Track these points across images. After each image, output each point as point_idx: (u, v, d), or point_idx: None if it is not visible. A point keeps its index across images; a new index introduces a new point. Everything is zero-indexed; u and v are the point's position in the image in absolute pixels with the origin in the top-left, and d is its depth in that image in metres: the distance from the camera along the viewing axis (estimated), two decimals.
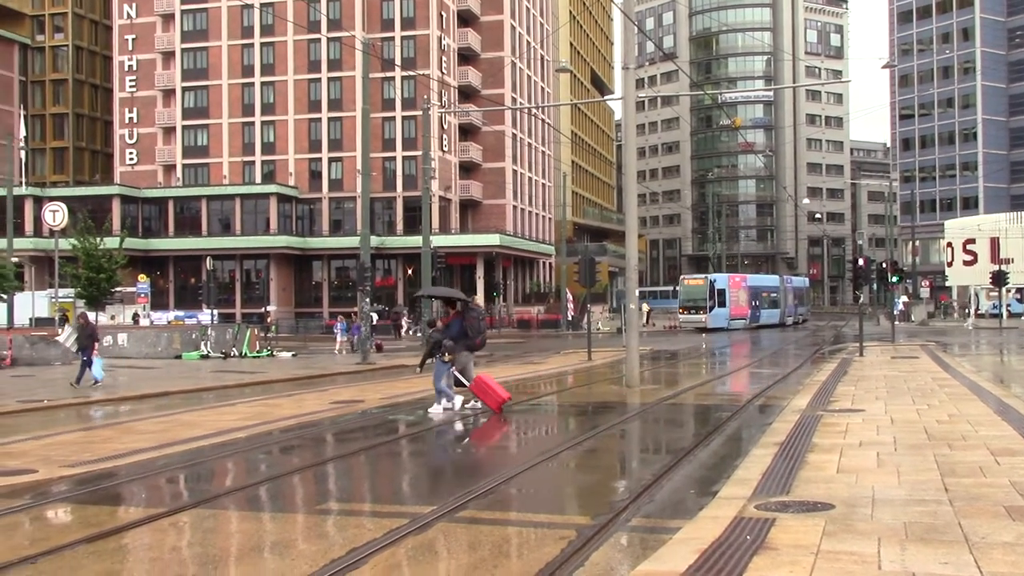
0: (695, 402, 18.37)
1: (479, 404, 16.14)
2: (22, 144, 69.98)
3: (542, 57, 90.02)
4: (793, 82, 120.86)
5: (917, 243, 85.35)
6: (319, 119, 73.29)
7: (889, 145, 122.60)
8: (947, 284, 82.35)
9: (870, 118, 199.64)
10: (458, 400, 16.12)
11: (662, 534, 7.21)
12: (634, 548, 7.11)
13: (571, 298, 57.13)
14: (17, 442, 13.00)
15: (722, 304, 59.10)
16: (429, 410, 15.92)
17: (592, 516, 8.15)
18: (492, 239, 70.10)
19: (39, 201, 64.23)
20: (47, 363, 31.31)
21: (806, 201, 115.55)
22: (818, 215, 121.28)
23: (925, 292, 72.71)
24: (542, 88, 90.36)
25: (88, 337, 22.47)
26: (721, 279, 61.90)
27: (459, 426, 15.16)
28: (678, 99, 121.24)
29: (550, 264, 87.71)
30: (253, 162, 74.75)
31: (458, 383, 16.31)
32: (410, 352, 38.68)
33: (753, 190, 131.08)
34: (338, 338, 40.54)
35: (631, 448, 13.60)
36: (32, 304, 50.56)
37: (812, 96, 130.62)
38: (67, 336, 27.17)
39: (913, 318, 64.25)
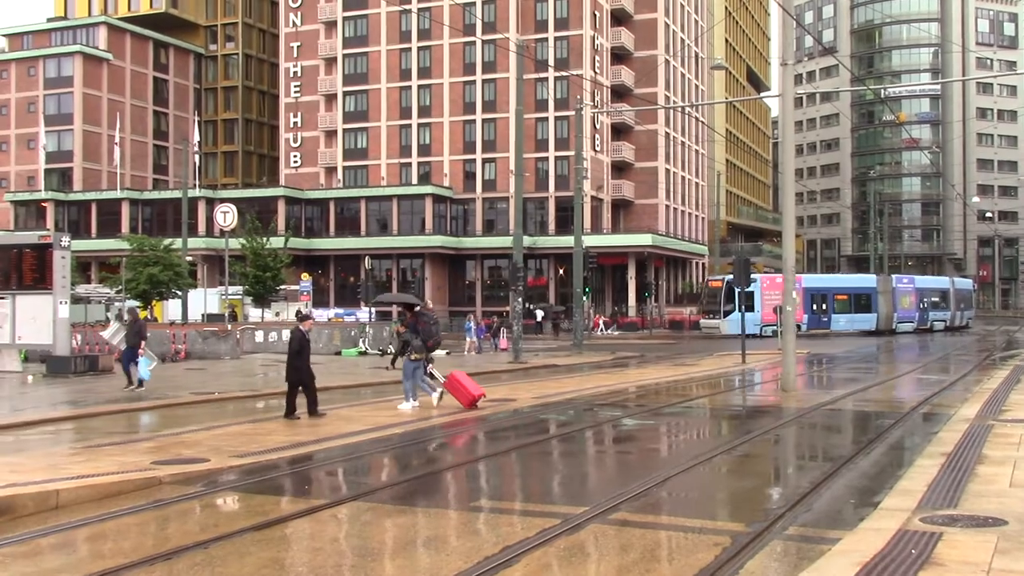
0: (855, 408, 17.75)
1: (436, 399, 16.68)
2: (196, 148, 73.71)
3: (696, 54, 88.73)
4: (963, 75, 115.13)
5: None
6: (473, 121, 74.35)
7: None
8: None
9: None
10: (435, 395, 16.69)
11: (820, 544, 7.01)
12: (791, 558, 6.94)
13: None
14: (191, 432, 13.72)
15: (749, 308, 52.39)
16: (399, 407, 16.45)
17: (747, 523, 7.99)
18: (644, 239, 69.58)
19: (211, 203, 67.47)
20: (218, 357, 32.91)
21: (976, 199, 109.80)
22: (989, 214, 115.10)
23: None
24: (696, 86, 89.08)
25: (136, 335, 21.06)
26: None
27: (604, 430, 15.12)
28: (838, 95, 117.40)
29: (703, 264, 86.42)
30: (410, 163, 76.49)
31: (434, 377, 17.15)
32: (562, 352, 38.82)
33: (918, 188, 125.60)
34: (467, 338, 40.68)
35: (787, 454, 13.26)
36: (204, 301, 53.17)
37: (983, 89, 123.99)
38: (113, 332, 24.20)
39: None
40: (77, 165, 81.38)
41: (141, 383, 20.33)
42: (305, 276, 57.21)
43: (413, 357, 16.54)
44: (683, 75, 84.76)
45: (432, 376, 17.23)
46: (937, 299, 64.35)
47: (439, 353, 37.28)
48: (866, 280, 61.26)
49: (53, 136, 78.82)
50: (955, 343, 46.82)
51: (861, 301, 58.73)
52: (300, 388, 15.38)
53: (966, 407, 15.45)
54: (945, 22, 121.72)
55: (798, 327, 54.36)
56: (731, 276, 57.68)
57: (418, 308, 17.84)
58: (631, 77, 76.46)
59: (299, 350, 15.34)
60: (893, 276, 63.45)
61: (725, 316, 54.32)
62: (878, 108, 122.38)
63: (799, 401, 18.35)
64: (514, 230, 35.77)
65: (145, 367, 20.60)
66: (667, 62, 78.63)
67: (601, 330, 60.55)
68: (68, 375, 24.07)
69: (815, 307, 56.60)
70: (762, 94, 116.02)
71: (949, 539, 6.64)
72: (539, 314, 60.61)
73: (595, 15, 73.12)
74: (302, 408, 15.26)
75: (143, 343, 21.09)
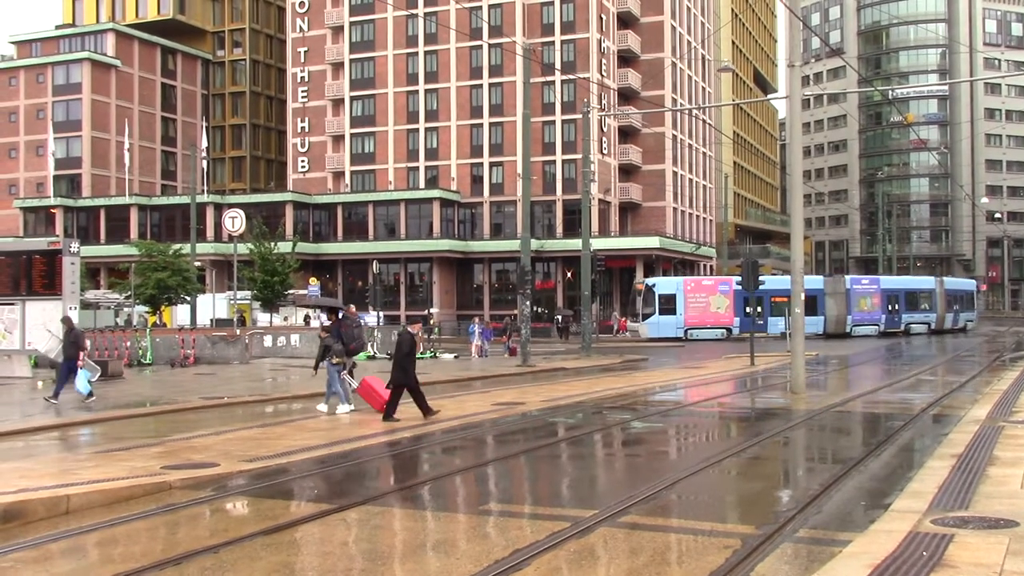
0: (864, 410, 17.71)
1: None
2: (204, 154, 73.91)
3: (703, 57, 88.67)
4: (970, 75, 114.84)
5: None
6: (480, 124, 74.39)
7: None
8: None
9: None
10: (342, 408, 16.81)
11: (831, 547, 7.00)
12: (801, 560, 6.92)
13: None
14: (200, 437, 13.74)
15: (669, 311, 52.68)
16: (318, 406, 16.86)
17: (757, 525, 7.98)
18: (652, 242, 69.52)
19: (219, 208, 67.58)
20: (226, 362, 32.96)
21: (985, 200, 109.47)
22: (998, 215, 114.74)
23: None
24: (703, 88, 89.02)
25: (72, 345, 19.42)
26: (666, 283, 55.86)
27: (613, 433, 15.10)
28: (845, 96, 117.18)
29: (711, 267, 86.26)
30: (417, 168, 76.55)
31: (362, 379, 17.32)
32: (570, 355, 38.80)
33: (926, 189, 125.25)
34: (472, 341, 40.59)
35: (796, 456, 13.24)
36: (213, 306, 53.24)
37: (991, 89, 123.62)
38: (47, 343, 22.67)
39: None
40: (86, 171, 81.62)
41: (91, 394, 18.73)
42: (313, 280, 57.36)
43: (335, 361, 16.89)
44: (690, 78, 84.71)
45: (350, 382, 17.47)
46: (917, 300, 59.85)
47: (447, 356, 37.42)
48: (811, 281, 57.12)
49: (62, 143, 79.05)
50: (912, 350, 42.73)
51: (805, 303, 55.38)
52: (404, 391, 15.55)
53: (976, 408, 15.41)
54: (952, 23, 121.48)
55: (728, 331, 53.84)
56: (653, 280, 57.07)
57: (342, 313, 18.21)
58: (638, 80, 76.44)
59: (408, 352, 15.55)
60: (848, 277, 60.69)
61: (645, 319, 53.66)
62: (886, 109, 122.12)
63: (808, 403, 18.31)
64: (522, 233, 35.77)
65: (84, 379, 18.90)
66: (674, 65, 78.59)
67: (623, 332, 59.96)
68: None
69: (748, 310, 53.71)
70: (769, 96, 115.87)
71: (960, 541, 6.61)
72: (558, 319, 59.97)
73: (601, 18, 73.13)
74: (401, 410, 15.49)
75: (83, 354, 19.51)
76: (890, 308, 57.54)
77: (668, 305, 53.22)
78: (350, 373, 17.34)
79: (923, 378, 25.67)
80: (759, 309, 52.36)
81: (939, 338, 54.42)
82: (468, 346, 40.17)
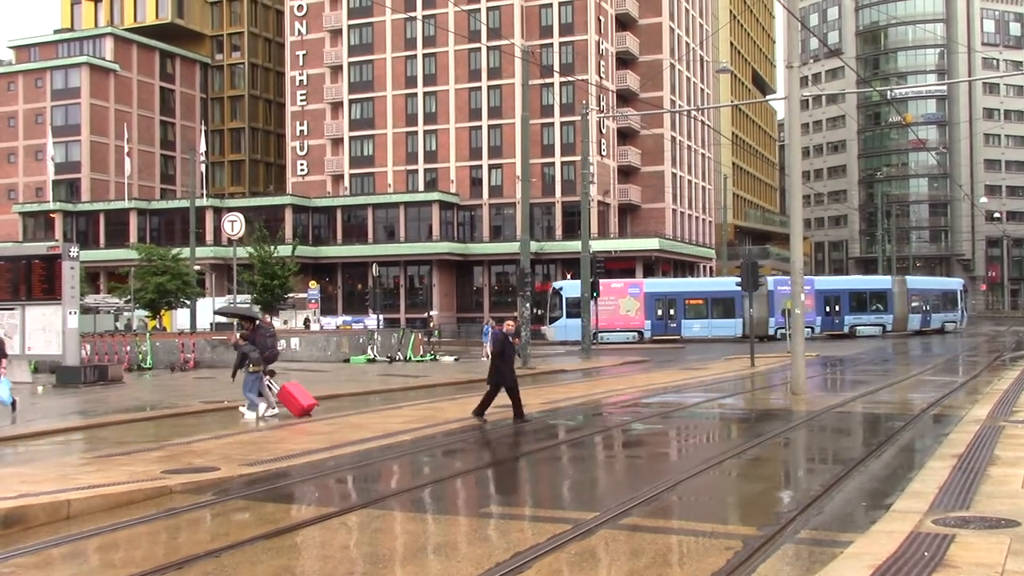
0: (864, 410, 17.71)
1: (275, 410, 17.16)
2: (203, 158, 73.90)
3: (702, 58, 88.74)
4: (969, 75, 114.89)
5: None
6: (479, 127, 74.43)
7: None
8: None
9: None
10: (262, 407, 17.05)
11: (832, 547, 7.00)
12: (803, 562, 6.92)
13: None
14: (200, 441, 13.73)
15: (577, 315, 49.86)
16: (241, 408, 17.17)
17: (758, 527, 7.98)
18: (651, 243, 69.55)
19: (218, 212, 67.63)
20: (227, 365, 32.83)
21: (984, 200, 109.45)
22: (997, 214, 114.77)
23: None
24: (702, 89, 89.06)
25: None
26: (573, 286, 53.17)
27: (614, 434, 15.10)
28: (844, 96, 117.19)
29: (710, 268, 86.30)
30: (416, 170, 76.58)
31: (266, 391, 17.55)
32: (570, 357, 38.80)
33: (925, 189, 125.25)
34: (486, 344, 40.34)
35: (797, 457, 13.24)
36: (213, 309, 53.19)
37: (990, 89, 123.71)
38: None
39: None
40: (85, 176, 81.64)
41: (14, 405, 16.84)
42: (313, 284, 57.32)
43: (252, 369, 17.11)
44: (688, 79, 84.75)
45: (268, 389, 17.61)
46: (865, 301, 56.62)
47: (447, 359, 37.43)
48: (729, 283, 54.97)
49: (61, 147, 79.09)
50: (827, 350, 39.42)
51: (721, 306, 54.27)
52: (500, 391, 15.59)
53: (977, 408, 15.41)
54: (950, 23, 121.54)
55: (639, 334, 52.75)
56: (560, 283, 56.54)
57: (257, 322, 18.44)
58: (636, 81, 76.49)
59: (501, 352, 15.54)
60: (772, 278, 57.52)
61: (552, 322, 53.16)
62: (884, 110, 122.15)
63: (808, 404, 18.32)
64: (521, 235, 35.78)
65: (6, 389, 16.84)
66: (672, 66, 78.63)
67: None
68: (78, 385, 24.11)
69: (660, 312, 53.41)
70: (768, 97, 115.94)
71: (962, 541, 6.61)
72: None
73: (600, 20, 73.17)
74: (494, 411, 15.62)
75: (3, 361, 17.36)
76: (828, 310, 55.19)
77: (576, 308, 50.95)
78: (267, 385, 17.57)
79: (924, 378, 25.66)
80: (672, 312, 51.66)
81: (899, 341, 51.28)
82: (471, 349, 40.10)
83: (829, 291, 56.32)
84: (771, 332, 54.03)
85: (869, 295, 57.24)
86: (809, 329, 53.29)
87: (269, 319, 20.42)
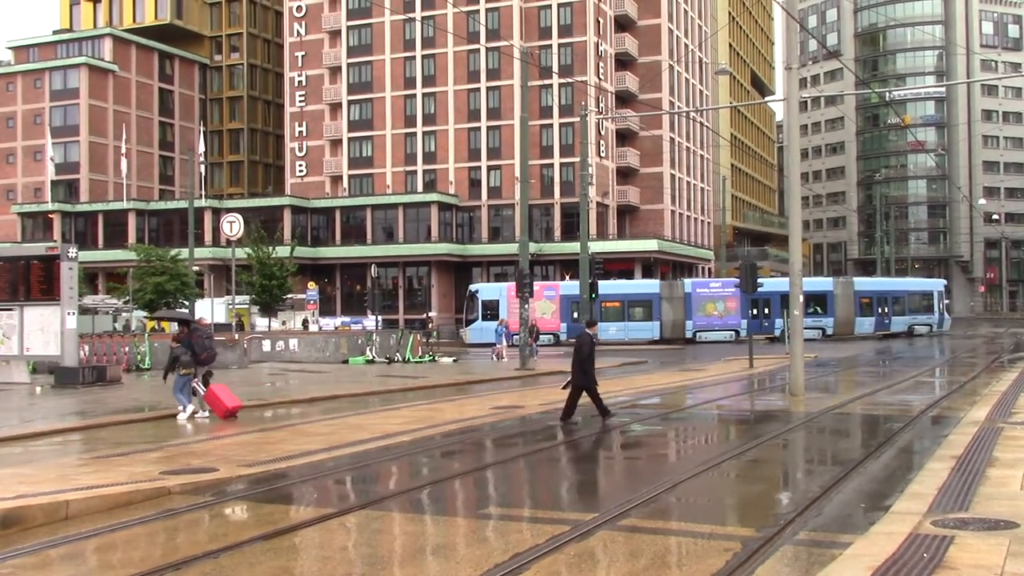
0: (863, 412, 17.72)
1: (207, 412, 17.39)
2: (202, 159, 73.88)
3: (700, 60, 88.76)
4: (967, 77, 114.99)
5: None
6: (478, 128, 74.42)
7: None
8: None
9: None
10: (189, 408, 17.33)
11: (831, 549, 6.99)
12: (802, 563, 6.91)
13: None
14: (199, 442, 13.73)
15: (492, 317, 50.70)
16: (177, 417, 17.24)
17: (757, 528, 7.98)
18: (650, 244, 69.55)
19: (217, 212, 67.57)
20: (225, 367, 32.82)
21: (982, 201, 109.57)
22: (996, 216, 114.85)
23: None
24: (700, 91, 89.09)
25: None
26: (489, 289, 54.92)
27: (612, 435, 15.09)
28: (843, 98, 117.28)
29: (709, 269, 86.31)
30: (415, 171, 76.55)
31: (197, 391, 17.75)
32: (569, 358, 38.78)
33: (924, 191, 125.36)
34: (497, 344, 40.44)
35: (796, 459, 13.24)
36: (211, 310, 53.13)
37: (988, 91, 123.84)
38: None
39: None
40: (83, 176, 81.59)
41: None
42: (311, 285, 57.31)
43: (182, 372, 17.42)
44: (687, 80, 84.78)
45: (198, 390, 17.77)
46: (807, 304, 51.34)
47: (446, 360, 37.41)
48: (647, 286, 55.54)
49: (59, 148, 79.01)
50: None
51: (639, 308, 53.61)
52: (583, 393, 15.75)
53: (975, 410, 15.42)
54: (949, 25, 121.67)
55: (555, 336, 52.37)
56: (476, 286, 56.21)
57: (193, 324, 18.67)
58: (635, 83, 76.52)
59: (589, 355, 15.72)
60: (690, 281, 57.60)
61: (468, 325, 53.05)
62: (883, 111, 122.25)
63: (807, 405, 18.32)
64: (520, 237, 35.77)
65: None
66: (671, 67, 78.66)
67: None
68: (76, 386, 24.08)
69: (576, 315, 51.10)
70: (766, 98, 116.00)
71: (961, 542, 6.61)
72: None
73: (599, 21, 73.19)
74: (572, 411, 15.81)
75: None
76: (755, 312, 53.11)
77: (491, 311, 52.30)
78: (205, 382, 17.69)
79: (923, 380, 25.67)
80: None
81: (828, 345, 48.37)
82: (466, 350, 40.06)
83: (759, 293, 55.07)
84: (688, 335, 53.40)
85: (806, 297, 54.55)
86: (731, 332, 53.55)
87: (207, 321, 20.54)
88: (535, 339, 40.40)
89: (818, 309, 54.43)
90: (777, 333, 52.42)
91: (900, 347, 45.88)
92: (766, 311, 53.89)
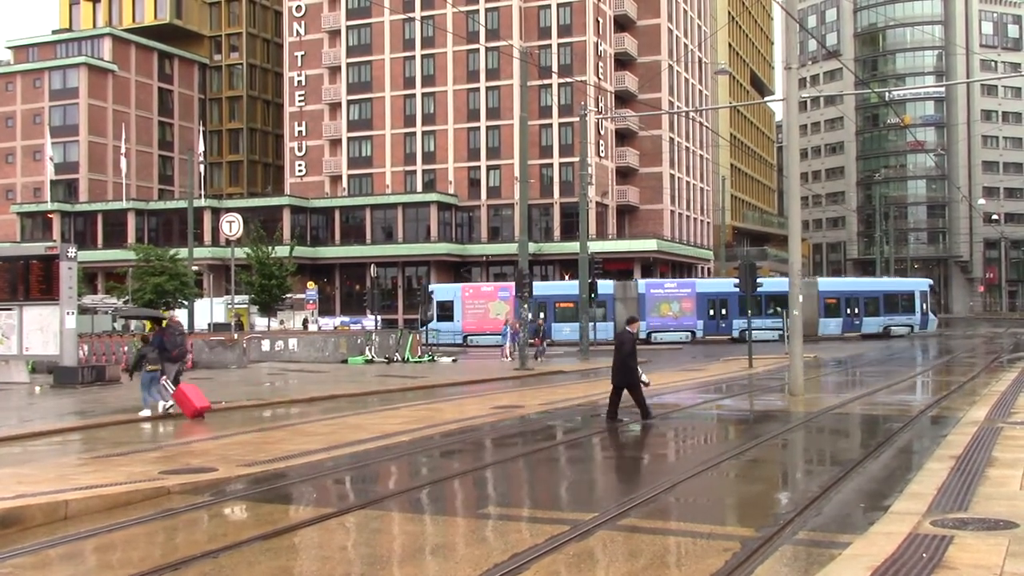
0: (862, 412, 17.71)
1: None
2: (201, 158, 73.86)
3: (700, 60, 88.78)
4: (967, 77, 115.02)
5: None
6: (478, 128, 74.42)
7: None
8: None
9: None
10: (161, 406, 17.50)
11: (831, 549, 6.99)
12: (801, 563, 6.91)
13: None
14: (198, 441, 13.72)
15: (447, 318, 52.17)
16: (140, 414, 17.35)
17: (756, 528, 7.97)
18: (649, 244, 69.57)
19: (216, 212, 67.57)
20: (224, 366, 32.92)
21: (982, 202, 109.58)
22: (995, 216, 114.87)
23: None
24: (700, 91, 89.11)
25: None
26: (444, 289, 55.30)
27: (612, 435, 15.08)
28: (842, 98, 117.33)
29: (708, 269, 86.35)
30: (414, 171, 76.57)
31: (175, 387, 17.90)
32: (568, 358, 38.80)
33: (923, 191, 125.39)
34: (504, 343, 40.22)
35: (795, 459, 13.23)
36: (211, 310, 53.20)
37: (988, 91, 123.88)
38: None
39: None
40: (83, 176, 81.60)
41: None
42: (311, 284, 57.33)
43: (148, 368, 17.56)
44: (687, 80, 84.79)
45: (167, 388, 17.89)
46: (759, 304, 50.54)
47: (445, 360, 37.41)
48: (603, 287, 51.93)
49: (59, 147, 79.02)
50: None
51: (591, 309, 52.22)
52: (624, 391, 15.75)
53: (975, 410, 15.41)
54: (949, 25, 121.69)
55: (495, 336, 50.24)
56: (432, 286, 56.14)
57: (165, 322, 18.78)
58: (635, 83, 76.53)
59: (631, 352, 15.64)
60: (644, 281, 56.55)
61: (421, 325, 51.84)
62: (882, 111, 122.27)
63: (806, 405, 18.31)
64: (519, 236, 35.77)
65: None
66: (671, 67, 78.67)
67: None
68: (75, 386, 24.08)
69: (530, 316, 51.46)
70: (766, 98, 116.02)
71: (960, 542, 6.61)
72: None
73: (598, 21, 73.19)
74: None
75: None
76: (712, 313, 53.38)
77: (446, 312, 52.61)
78: (176, 378, 17.87)
79: (924, 380, 25.65)
80: (542, 315, 49.74)
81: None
82: (465, 350, 40.07)
83: (714, 294, 54.03)
84: (642, 335, 51.42)
85: (764, 298, 51.43)
86: (689, 333, 53.11)
87: (178, 318, 20.55)
88: (542, 339, 40.17)
89: (778, 309, 50.85)
90: (735, 334, 51.94)
91: (860, 349, 45.30)
92: (723, 312, 53.44)
